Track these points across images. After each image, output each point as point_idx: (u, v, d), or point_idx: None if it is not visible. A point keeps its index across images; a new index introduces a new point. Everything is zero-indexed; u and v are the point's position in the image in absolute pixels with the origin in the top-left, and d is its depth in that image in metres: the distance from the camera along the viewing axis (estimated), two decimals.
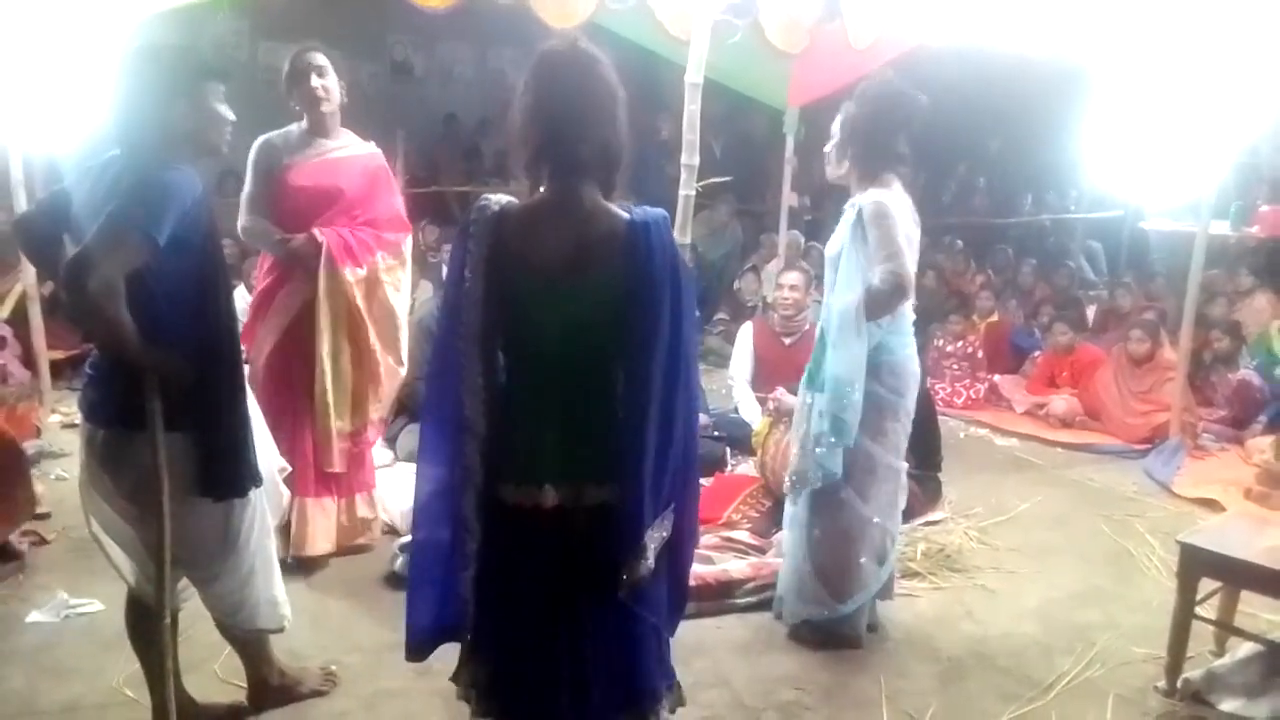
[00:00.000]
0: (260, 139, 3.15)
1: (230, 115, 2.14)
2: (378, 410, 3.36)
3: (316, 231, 3.06)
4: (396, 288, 3.27)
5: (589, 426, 1.87)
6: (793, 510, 2.95)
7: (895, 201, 2.70)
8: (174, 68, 2.06)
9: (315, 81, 3.06)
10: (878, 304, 2.67)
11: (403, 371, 3.36)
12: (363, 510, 3.38)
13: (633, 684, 1.97)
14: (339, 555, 3.32)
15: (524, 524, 1.87)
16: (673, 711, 2.11)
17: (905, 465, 2.94)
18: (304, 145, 3.12)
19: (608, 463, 1.85)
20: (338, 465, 3.20)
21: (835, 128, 2.83)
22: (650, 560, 1.86)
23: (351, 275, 3.10)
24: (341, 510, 3.32)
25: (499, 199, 1.83)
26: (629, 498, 1.82)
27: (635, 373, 1.81)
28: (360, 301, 3.13)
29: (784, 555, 3.04)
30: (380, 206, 3.22)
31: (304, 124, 3.14)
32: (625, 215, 1.82)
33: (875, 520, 2.84)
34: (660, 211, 1.85)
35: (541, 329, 1.82)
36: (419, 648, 1.96)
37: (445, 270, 2.19)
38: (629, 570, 1.83)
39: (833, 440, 2.72)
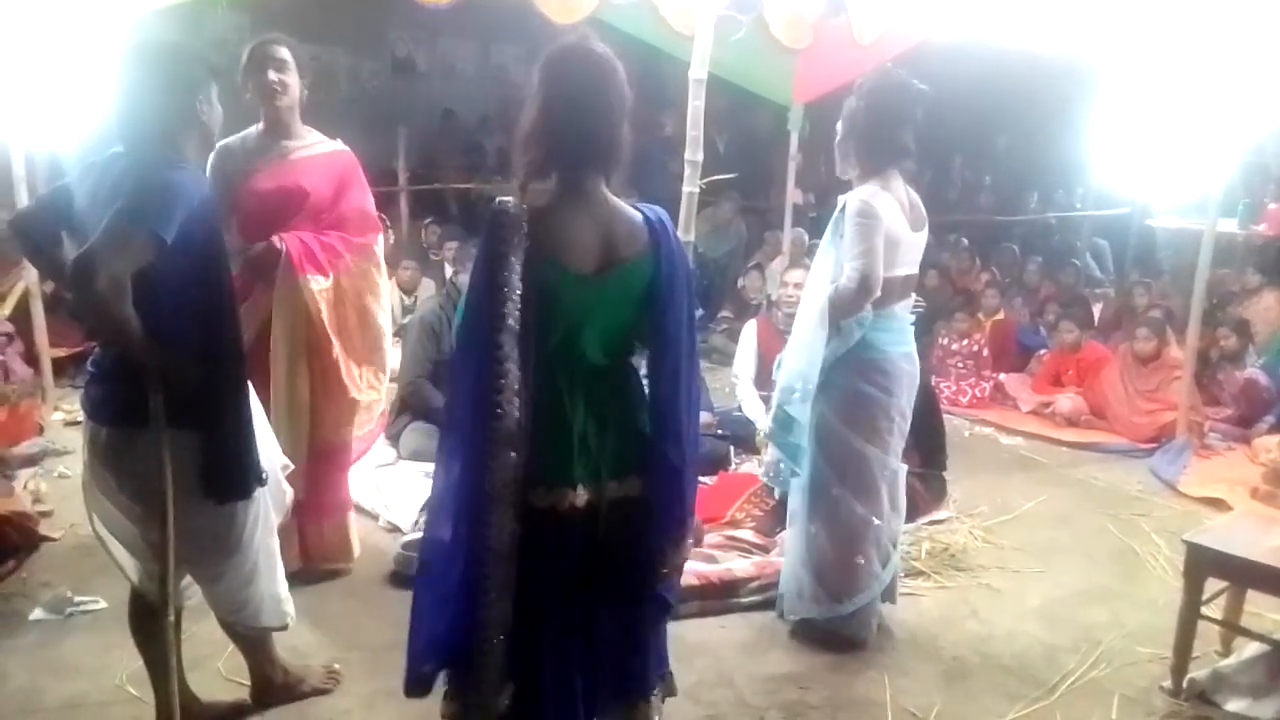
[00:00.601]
0: (218, 145, 2.88)
1: (221, 115, 2.17)
2: (363, 424, 3.09)
3: (277, 239, 2.83)
4: (374, 293, 3.02)
5: (613, 422, 1.90)
6: (794, 507, 2.94)
7: (884, 200, 2.66)
8: (177, 62, 2.06)
9: (272, 75, 2.82)
10: (842, 301, 2.66)
11: (381, 389, 3.10)
12: (333, 536, 3.13)
13: (633, 674, 2.01)
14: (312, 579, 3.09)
15: (548, 528, 1.86)
16: (663, 700, 2.14)
17: (903, 466, 2.92)
18: (264, 147, 2.89)
19: (630, 457, 1.90)
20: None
21: (841, 116, 2.80)
22: (691, 543, 1.95)
23: (315, 284, 2.85)
24: (307, 536, 3.08)
25: (514, 200, 1.82)
26: (670, 484, 1.90)
27: (664, 364, 1.87)
28: (326, 313, 2.88)
29: (785, 552, 3.03)
30: (346, 205, 2.98)
31: (261, 124, 2.92)
32: (638, 211, 1.87)
33: (874, 521, 2.82)
34: (661, 209, 1.90)
35: (575, 326, 1.84)
36: (422, 680, 1.89)
37: (451, 270, 2.10)
38: (674, 555, 1.92)
39: (782, 436, 2.72)
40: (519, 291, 1.76)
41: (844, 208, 2.69)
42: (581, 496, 1.87)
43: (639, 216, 1.87)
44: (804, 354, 2.70)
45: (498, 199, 1.83)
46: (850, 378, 2.73)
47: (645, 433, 1.90)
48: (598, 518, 1.89)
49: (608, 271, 1.83)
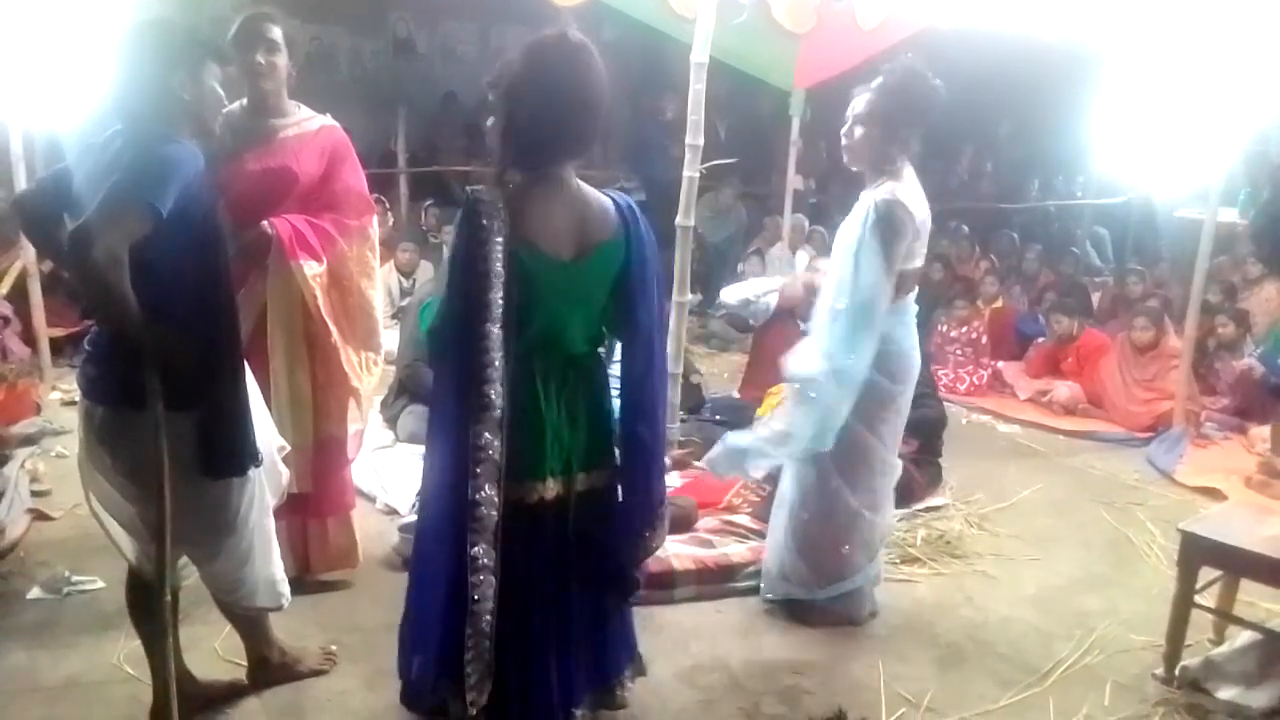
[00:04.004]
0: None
1: (223, 97, 2.14)
2: (365, 409, 2.99)
3: (267, 224, 2.69)
4: (369, 276, 2.90)
5: (584, 413, 1.91)
6: (784, 490, 2.94)
7: (912, 197, 2.66)
8: (175, 41, 2.05)
9: (260, 58, 2.68)
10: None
11: (376, 375, 2.97)
12: (338, 535, 3.01)
13: (605, 657, 2.07)
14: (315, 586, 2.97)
15: (519, 520, 1.88)
16: (633, 680, 2.20)
17: (899, 462, 2.93)
18: (250, 128, 2.74)
19: (600, 449, 1.92)
20: (295, 485, 2.69)
21: (855, 108, 2.74)
22: (667, 525, 2.01)
23: (309, 269, 2.72)
24: (311, 535, 2.97)
25: (487, 187, 1.84)
26: (646, 467, 1.94)
27: (637, 348, 1.90)
28: (321, 299, 2.76)
29: (770, 532, 3.04)
30: (338, 185, 2.85)
31: (245, 101, 2.77)
32: (607, 196, 1.91)
33: (865, 514, 2.83)
34: (629, 197, 1.96)
35: (554, 312, 1.85)
36: (422, 690, 2.00)
37: (448, 255, 2.03)
38: (653, 537, 1.96)
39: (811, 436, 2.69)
40: (503, 279, 1.77)
41: (876, 208, 2.61)
42: (551, 489, 1.89)
43: (610, 202, 1.90)
44: (863, 354, 2.65)
45: (471, 187, 1.84)
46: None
47: (613, 422, 1.93)
48: (567, 510, 1.91)
49: (583, 257, 1.85)
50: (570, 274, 1.85)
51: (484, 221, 1.77)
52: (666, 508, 2.02)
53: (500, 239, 1.77)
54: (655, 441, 1.93)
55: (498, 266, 1.76)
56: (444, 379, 1.94)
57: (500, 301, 1.77)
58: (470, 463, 1.80)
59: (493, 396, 1.78)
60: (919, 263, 2.76)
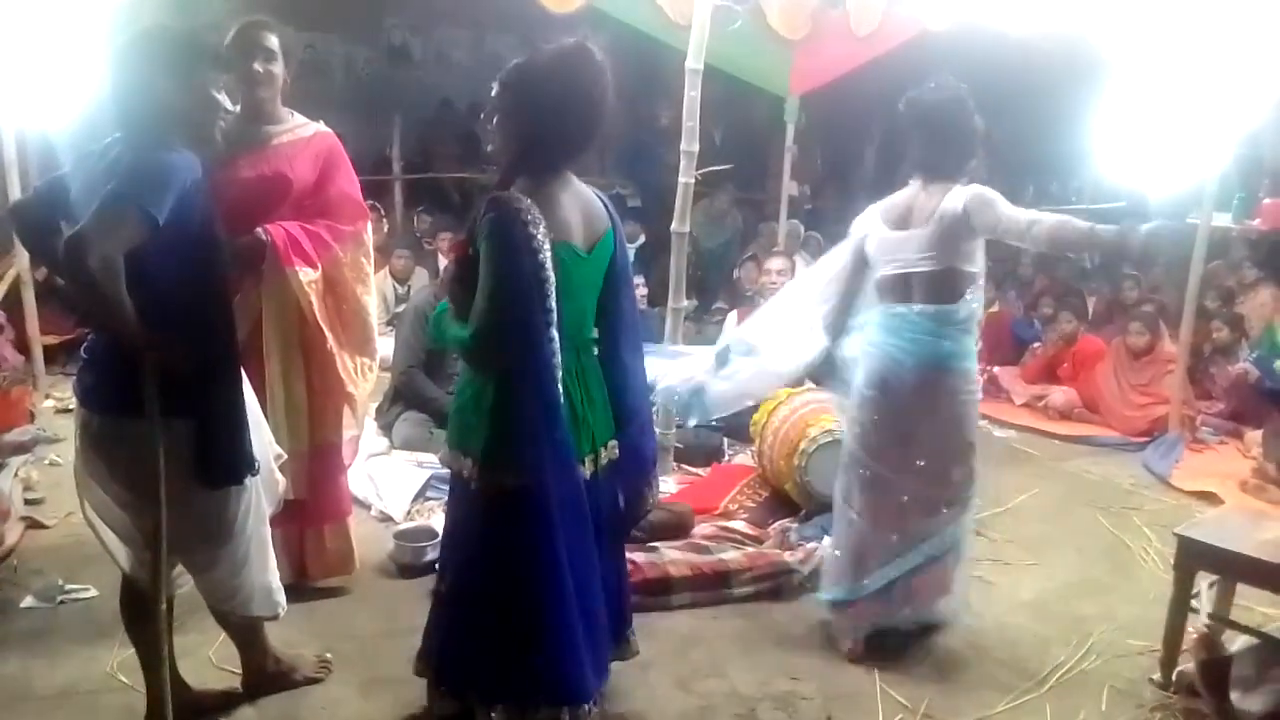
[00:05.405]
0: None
1: (227, 104, 2.14)
2: (360, 416, 3.01)
3: (262, 231, 2.69)
4: (364, 282, 2.89)
5: (597, 393, 2.08)
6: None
7: (868, 213, 2.81)
8: (175, 49, 2.04)
9: (258, 65, 2.69)
10: None
11: (371, 381, 2.98)
12: (334, 542, 3.01)
13: (622, 615, 2.29)
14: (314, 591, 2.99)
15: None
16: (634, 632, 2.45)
17: (877, 469, 2.83)
18: (244, 134, 2.70)
19: (609, 424, 2.10)
20: (290, 491, 2.66)
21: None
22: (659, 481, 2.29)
23: (304, 276, 2.72)
24: (308, 541, 2.98)
25: (513, 192, 1.92)
26: (648, 436, 2.20)
27: (627, 328, 2.12)
28: (316, 305, 2.76)
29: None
30: (332, 191, 2.84)
31: (239, 107, 2.72)
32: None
33: (855, 521, 2.79)
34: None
35: (580, 302, 2.01)
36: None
37: (493, 261, 2.02)
38: (651, 495, 2.22)
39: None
40: (553, 284, 1.87)
41: None
42: (589, 468, 2.05)
43: (596, 196, 2.07)
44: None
45: (497, 194, 1.89)
46: (856, 367, 2.81)
47: (612, 398, 2.11)
48: (597, 483, 2.07)
49: (593, 247, 2.01)
50: (587, 265, 2.00)
51: (531, 230, 1.85)
52: (658, 465, 2.31)
53: (547, 242, 1.87)
54: (649, 410, 2.24)
55: (549, 271, 1.86)
56: (510, 386, 1.93)
57: (554, 304, 1.89)
58: (558, 464, 1.94)
59: (562, 392, 1.92)
60: (888, 270, 2.73)
